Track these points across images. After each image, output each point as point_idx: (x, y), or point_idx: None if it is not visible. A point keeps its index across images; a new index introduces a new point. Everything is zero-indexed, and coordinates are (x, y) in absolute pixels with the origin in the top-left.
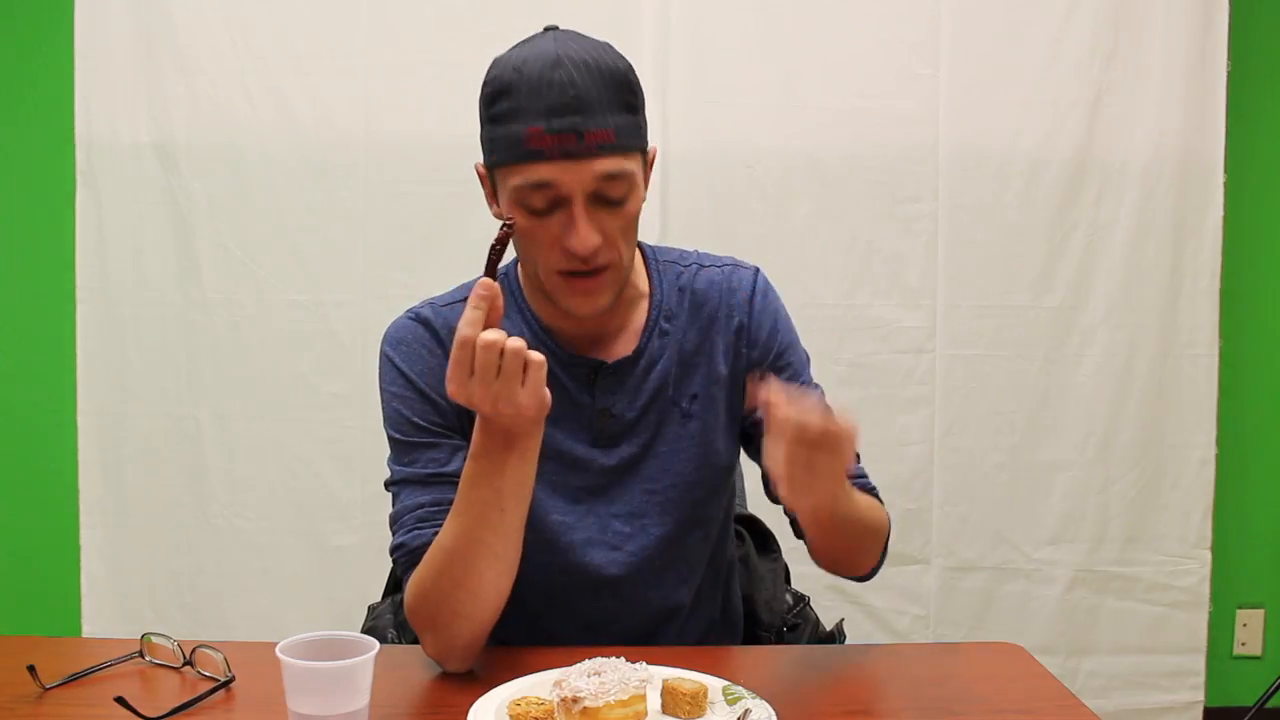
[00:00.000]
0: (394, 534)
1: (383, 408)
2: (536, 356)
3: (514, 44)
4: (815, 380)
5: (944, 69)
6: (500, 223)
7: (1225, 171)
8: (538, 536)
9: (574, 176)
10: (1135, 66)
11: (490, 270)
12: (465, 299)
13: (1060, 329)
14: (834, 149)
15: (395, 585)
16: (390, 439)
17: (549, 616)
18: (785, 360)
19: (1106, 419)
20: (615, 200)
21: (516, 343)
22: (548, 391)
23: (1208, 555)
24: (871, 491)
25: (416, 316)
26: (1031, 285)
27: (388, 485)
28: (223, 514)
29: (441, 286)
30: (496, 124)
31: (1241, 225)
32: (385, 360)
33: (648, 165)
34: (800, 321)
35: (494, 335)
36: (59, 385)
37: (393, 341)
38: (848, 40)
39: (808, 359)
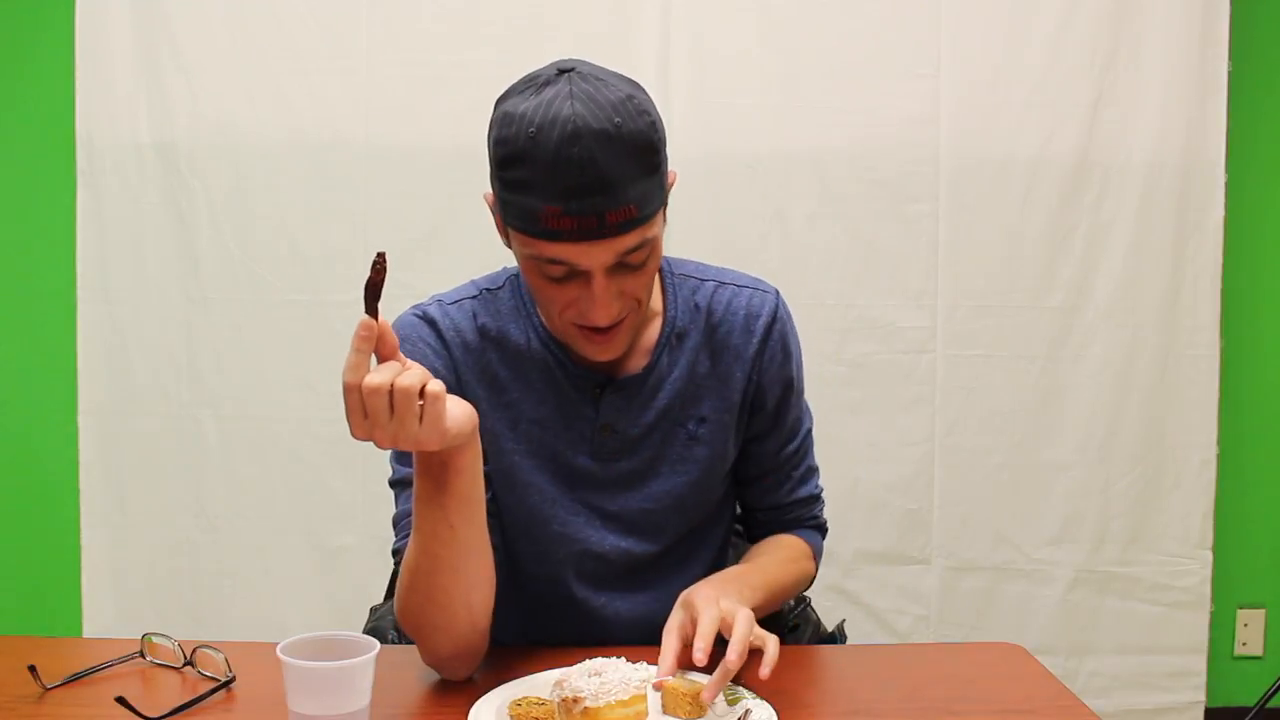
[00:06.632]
0: (395, 536)
1: None
2: (433, 388)
3: (523, 83)
4: (810, 421)
5: (944, 69)
6: (374, 258)
7: (1226, 171)
8: (532, 543)
9: (594, 256)
10: (1135, 66)
11: (370, 310)
12: (475, 296)
13: (1061, 329)
14: (835, 149)
15: None
16: None
17: (544, 621)
18: (785, 406)
19: (1107, 419)
20: (636, 265)
21: (406, 381)
22: (461, 414)
23: (1209, 555)
24: (815, 526)
25: (423, 315)
26: (1032, 285)
27: (390, 483)
28: (223, 514)
29: (441, 286)
30: (509, 189)
31: (1242, 225)
32: None
33: (666, 195)
34: (801, 321)
35: (379, 379)
36: (59, 385)
37: (397, 338)
38: (848, 40)
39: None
